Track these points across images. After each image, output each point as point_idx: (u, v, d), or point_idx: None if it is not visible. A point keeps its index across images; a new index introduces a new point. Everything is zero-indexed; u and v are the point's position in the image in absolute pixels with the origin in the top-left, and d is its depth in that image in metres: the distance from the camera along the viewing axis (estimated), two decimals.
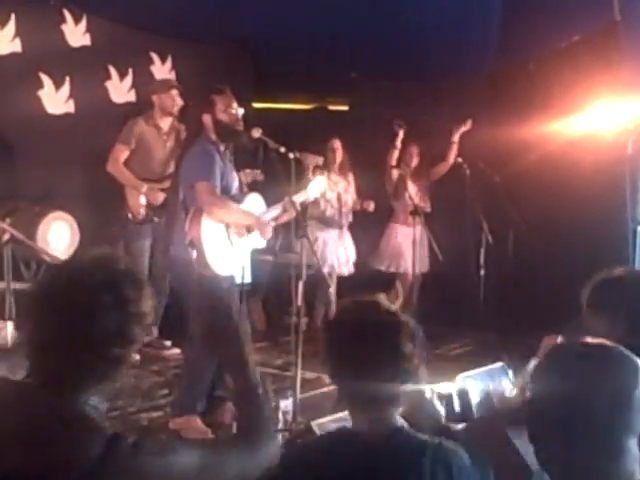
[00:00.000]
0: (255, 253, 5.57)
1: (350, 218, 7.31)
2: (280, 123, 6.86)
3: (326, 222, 7.16)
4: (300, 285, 4.80)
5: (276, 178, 5.01)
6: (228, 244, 4.78)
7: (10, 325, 5.29)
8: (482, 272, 6.78)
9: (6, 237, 5.32)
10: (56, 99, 6.52)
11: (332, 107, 8.80)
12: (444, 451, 2.20)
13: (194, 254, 4.52)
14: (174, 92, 6.31)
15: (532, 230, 6.83)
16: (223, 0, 7.51)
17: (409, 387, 2.22)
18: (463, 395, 4.59)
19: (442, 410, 4.42)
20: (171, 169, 5.86)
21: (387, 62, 7.74)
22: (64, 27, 6.59)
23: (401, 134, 7.37)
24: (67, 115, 6.60)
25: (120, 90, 7.03)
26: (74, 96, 6.61)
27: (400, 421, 2.25)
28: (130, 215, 6.25)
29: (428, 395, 2.49)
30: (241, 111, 4.84)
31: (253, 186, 5.95)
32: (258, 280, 6.81)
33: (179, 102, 6.27)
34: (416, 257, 6.87)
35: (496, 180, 6.92)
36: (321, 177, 5.40)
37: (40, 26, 6.39)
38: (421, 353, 2.25)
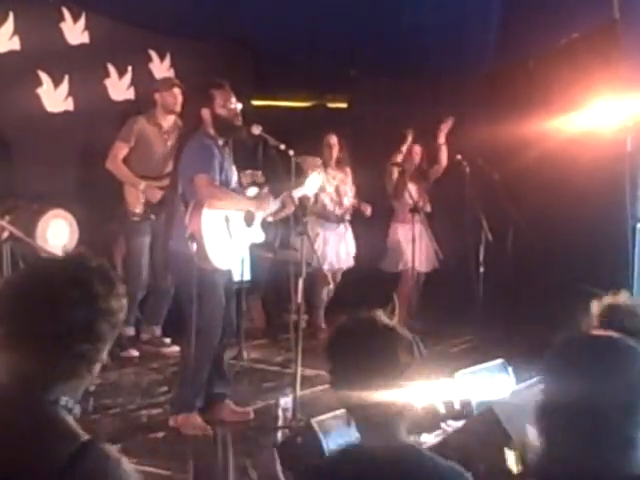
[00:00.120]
0: (255, 250, 5.59)
1: (349, 216, 7.32)
2: (279, 120, 6.86)
3: (327, 217, 7.16)
4: (300, 282, 4.81)
5: (276, 175, 5.02)
6: (228, 237, 4.79)
7: None
8: (481, 269, 6.78)
9: (5, 235, 5.32)
10: (55, 97, 6.51)
11: (331, 104, 8.80)
12: (456, 474, 2.21)
13: (194, 247, 4.53)
14: (176, 90, 6.32)
15: (531, 228, 6.83)
16: None
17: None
18: (462, 392, 4.60)
19: (442, 408, 4.44)
20: (170, 167, 5.86)
21: (386, 60, 7.73)
22: (63, 25, 6.58)
23: (409, 138, 7.37)
24: (66, 113, 6.59)
25: (119, 88, 7.02)
26: (73, 94, 6.60)
27: (408, 437, 2.27)
28: (128, 212, 6.27)
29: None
30: (239, 106, 4.84)
31: (253, 186, 5.97)
32: (258, 277, 6.84)
33: (181, 100, 6.28)
34: (415, 254, 6.86)
35: (495, 178, 6.91)
36: (317, 173, 5.40)
37: (39, 24, 6.38)
38: (421, 366, 2.25)
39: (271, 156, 4.99)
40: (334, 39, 7.61)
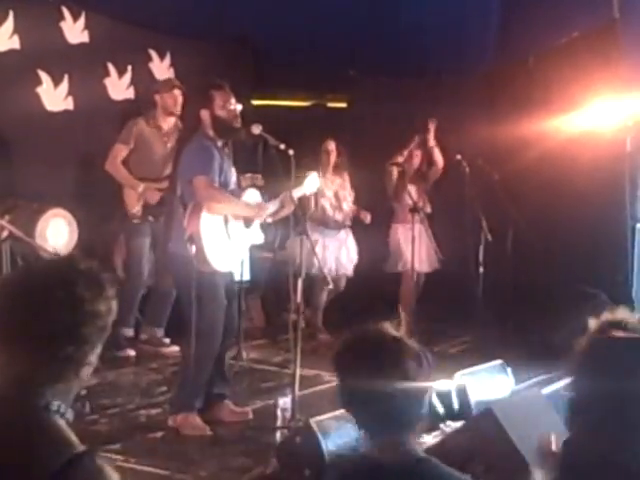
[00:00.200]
0: (254, 250, 5.58)
1: (349, 221, 7.31)
2: (279, 120, 6.86)
3: (326, 223, 7.16)
4: (299, 282, 4.80)
5: (275, 174, 5.02)
6: (227, 239, 4.78)
7: None
8: (481, 270, 6.77)
9: (5, 234, 5.32)
10: (55, 96, 6.51)
11: (331, 104, 8.79)
12: None
13: (193, 249, 4.52)
14: (176, 92, 6.31)
15: (531, 228, 6.82)
16: None
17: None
18: (462, 392, 4.60)
19: (441, 408, 4.44)
20: (170, 169, 5.85)
21: (386, 59, 7.73)
22: (63, 24, 6.58)
23: (414, 143, 7.36)
24: (66, 112, 6.59)
25: (119, 87, 7.02)
26: (73, 93, 6.60)
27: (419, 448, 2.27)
28: (128, 214, 6.26)
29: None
30: (239, 107, 4.83)
31: (252, 188, 5.96)
32: (257, 277, 6.83)
33: (181, 102, 6.27)
34: (415, 255, 6.86)
35: (495, 178, 6.90)
36: (315, 173, 5.39)
37: (39, 23, 6.38)
38: (429, 377, 2.26)
39: (271, 155, 4.98)
40: (334, 39, 7.61)
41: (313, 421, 3.98)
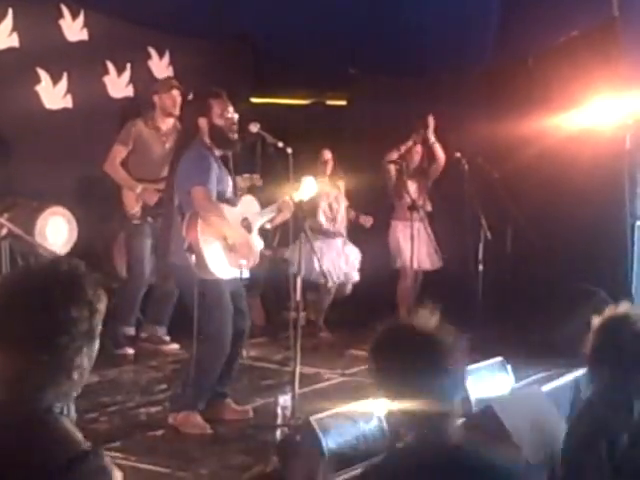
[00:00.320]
0: None
1: (344, 230, 7.31)
2: (279, 118, 6.86)
3: (324, 233, 7.18)
4: (298, 280, 4.80)
5: (273, 173, 5.01)
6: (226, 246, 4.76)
7: None
8: (480, 268, 6.77)
9: (4, 232, 5.32)
10: (54, 94, 6.51)
11: (330, 102, 8.79)
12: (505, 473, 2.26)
13: (193, 259, 4.51)
14: (175, 92, 6.30)
15: (531, 225, 6.82)
16: None
17: None
18: None
19: None
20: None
21: (386, 58, 7.72)
22: (62, 22, 6.58)
23: (412, 141, 7.36)
24: (65, 110, 6.59)
25: (118, 85, 7.02)
26: (72, 91, 6.60)
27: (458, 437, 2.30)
28: (127, 215, 6.26)
29: None
30: (237, 116, 4.83)
31: (251, 188, 5.95)
32: (256, 275, 6.82)
33: (180, 102, 6.27)
34: (414, 252, 6.85)
35: (495, 176, 6.90)
36: (311, 178, 5.37)
37: (38, 21, 6.38)
38: (464, 365, 2.39)
39: (269, 154, 4.97)
40: (334, 37, 7.60)
41: (313, 419, 3.98)
